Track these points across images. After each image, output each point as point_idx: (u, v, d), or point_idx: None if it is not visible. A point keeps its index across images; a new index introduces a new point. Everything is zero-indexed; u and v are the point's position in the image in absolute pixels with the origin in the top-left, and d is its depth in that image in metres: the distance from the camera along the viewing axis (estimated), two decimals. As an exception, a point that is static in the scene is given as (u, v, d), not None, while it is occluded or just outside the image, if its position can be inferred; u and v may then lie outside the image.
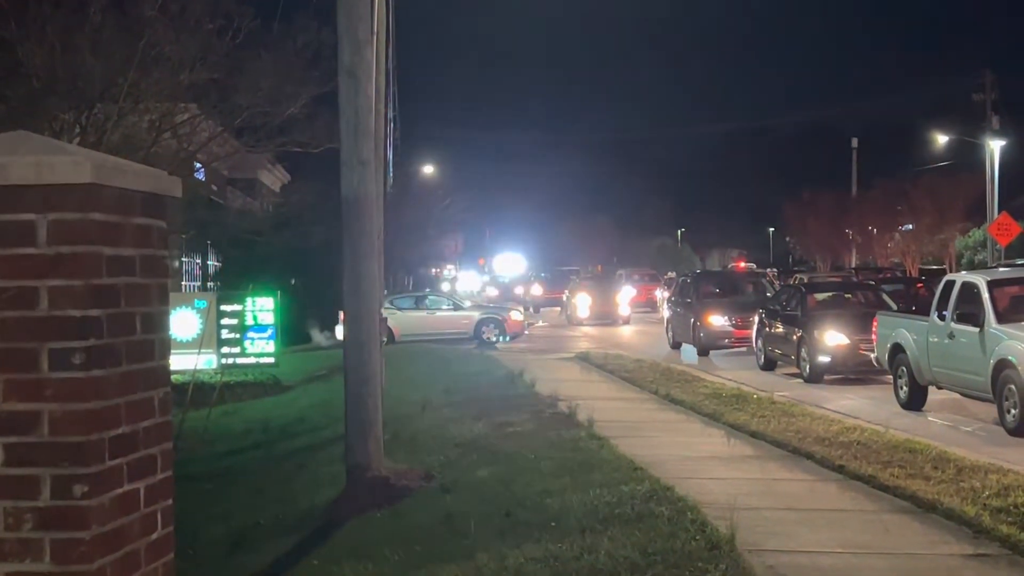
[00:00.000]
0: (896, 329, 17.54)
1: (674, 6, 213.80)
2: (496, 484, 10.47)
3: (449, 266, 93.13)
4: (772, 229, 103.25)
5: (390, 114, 38.69)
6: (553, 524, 8.44)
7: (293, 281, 31.01)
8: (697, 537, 7.63)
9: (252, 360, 25.51)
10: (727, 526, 7.75)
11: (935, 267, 49.80)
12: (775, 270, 54.25)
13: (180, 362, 19.61)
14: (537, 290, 58.31)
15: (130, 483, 3.50)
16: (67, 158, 3.35)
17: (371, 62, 11.46)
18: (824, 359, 20.84)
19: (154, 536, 3.64)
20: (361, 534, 9.92)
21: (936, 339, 16.16)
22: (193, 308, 21.20)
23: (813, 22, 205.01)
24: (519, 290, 64.50)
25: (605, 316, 42.82)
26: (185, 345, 20.40)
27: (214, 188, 38.86)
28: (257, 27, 20.25)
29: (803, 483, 10.30)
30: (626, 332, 39.55)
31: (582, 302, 43.92)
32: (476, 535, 8.44)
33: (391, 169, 40.18)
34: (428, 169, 61.90)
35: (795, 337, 21.85)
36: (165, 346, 3.75)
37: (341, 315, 31.12)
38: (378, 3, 11.84)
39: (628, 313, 43.69)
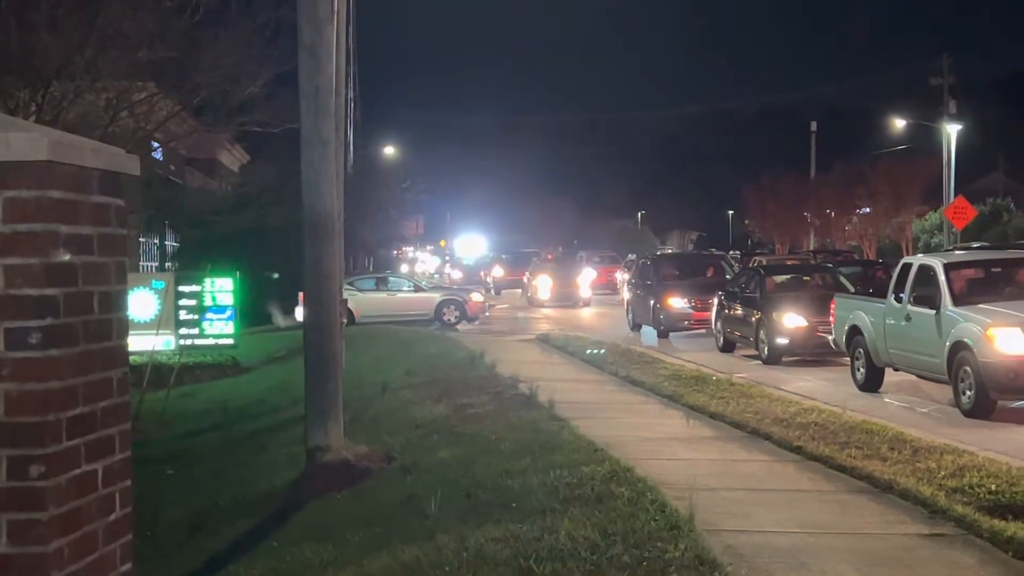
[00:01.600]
0: (854, 311, 17.69)
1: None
2: (457, 465, 10.46)
3: (407, 248, 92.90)
4: (731, 212, 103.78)
5: (350, 94, 38.48)
6: (514, 505, 8.44)
7: (253, 267, 30.75)
8: (657, 518, 7.65)
9: (211, 341, 25.33)
10: (686, 507, 7.78)
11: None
12: (737, 253, 54.54)
13: (138, 343, 19.45)
14: (499, 272, 58.27)
15: (88, 464, 3.46)
16: (23, 135, 3.30)
17: (332, 41, 11.39)
18: (782, 341, 20.99)
19: (112, 517, 3.61)
20: (321, 515, 9.91)
21: (893, 321, 16.31)
22: (151, 288, 21.01)
23: (772, 6, 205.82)
24: (483, 272, 64.40)
25: (566, 298, 42.91)
26: (143, 326, 20.22)
27: (172, 168, 38.51)
28: (216, 5, 20.06)
29: (761, 464, 10.37)
30: (587, 314, 39.64)
31: (543, 284, 43.99)
32: (437, 516, 8.44)
33: (351, 149, 39.99)
34: (389, 150, 61.65)
35: (754, 319, 21.99)
36: (123, 326, 3.72)
37: (300, 296, 31.06)
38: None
39: (589, 295, 43.79)
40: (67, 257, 3.34)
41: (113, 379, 3.63)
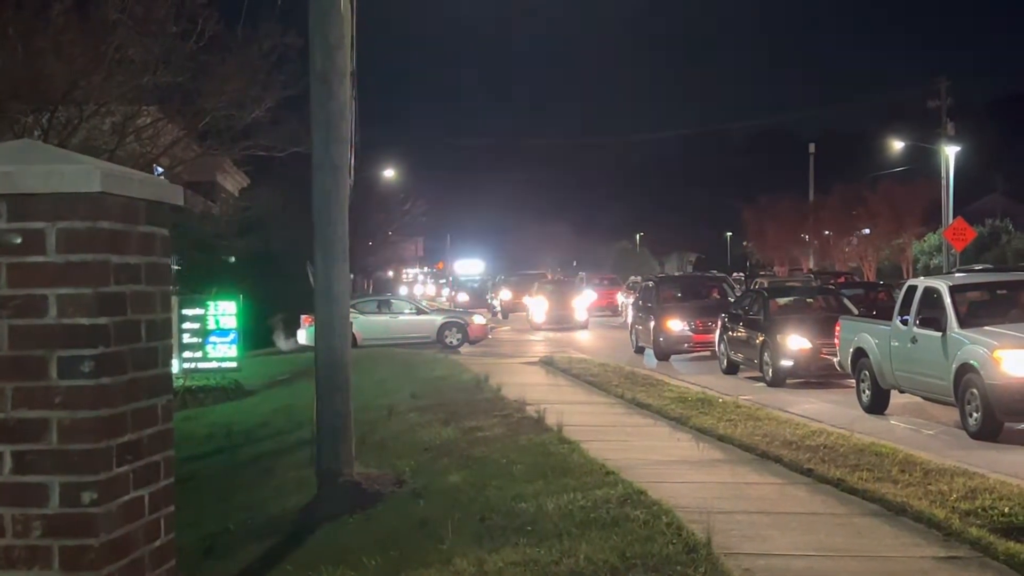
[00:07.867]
0: (859, 333, 17.72)
1: (633, 13, 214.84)
2: (469, 489, 10.48)
3: (408, 271, 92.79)
4: (730, 233, 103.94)
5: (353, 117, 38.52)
6: (529, 528, 8.46)
7: (256, 290, 30.78)
8: (674, 541, 7.68)
9: (214, 365, 25.40)
10: (702, 530, 7.81)
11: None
12: (741, 275, 54.57)
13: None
14: (507, 295, 57.60)
15: (136, 490, 3.51)
16: (77, 167, 3.36)
17: (343, 67, 11.48)
18: (787, 363, 21.01)
19: (158, 543, 3.65)
20: (336, 539, 9.92)
21: (898, 343, 16.35)
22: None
23: (771, 29, 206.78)
24: (490, 295, 63.78)
25: (563, 320, 42.98)
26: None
27: (174, 191, 38.46)
28: (222, 30, 20.17)
29: (773, 487, 10.39)
30: (588, 336, 39.67)
31: (539, 307, 44.13)
32: (452, 540, 8.45)
33: (352, 172, 40.08)
34: (388, 173, 61.67)
35: (758, 341, 22.00)
36: (168, 353, 3.77)
37: (303, 319, 31.14)
38: (346, 9, 11.80)
39: (587, 318, 43.86)
40: (117, 287, 3.40)
41: (158, 406, 3.67)
